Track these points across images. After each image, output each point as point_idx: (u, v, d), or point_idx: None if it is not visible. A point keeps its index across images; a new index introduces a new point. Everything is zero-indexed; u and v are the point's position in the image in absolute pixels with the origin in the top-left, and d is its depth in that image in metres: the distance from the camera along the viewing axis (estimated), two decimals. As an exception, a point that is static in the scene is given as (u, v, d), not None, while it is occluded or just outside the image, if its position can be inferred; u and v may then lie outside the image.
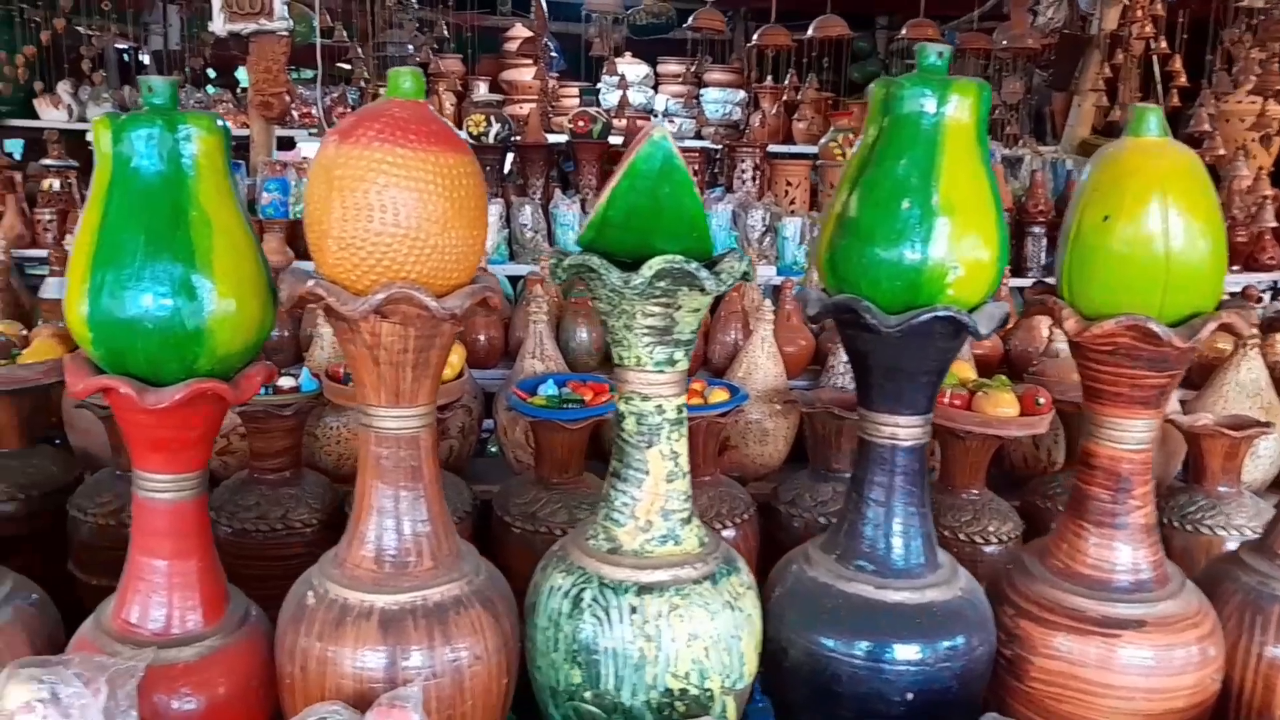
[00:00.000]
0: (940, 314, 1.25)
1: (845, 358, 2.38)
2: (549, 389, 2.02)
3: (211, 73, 6.98)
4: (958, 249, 1.25)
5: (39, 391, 1.97)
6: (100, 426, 1.92)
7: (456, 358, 2.05)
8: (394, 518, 1.28)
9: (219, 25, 3.98)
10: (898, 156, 1.28)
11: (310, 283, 1.18)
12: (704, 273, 1.19)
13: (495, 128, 3.94)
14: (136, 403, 1.13)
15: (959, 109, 1.27)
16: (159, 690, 1.20)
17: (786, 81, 4.87)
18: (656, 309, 1.24)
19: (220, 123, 1.19)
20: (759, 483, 2.36)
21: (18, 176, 4.05)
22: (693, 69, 5.26)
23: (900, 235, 1.25)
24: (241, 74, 7.09)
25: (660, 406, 1.30)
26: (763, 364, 2.45)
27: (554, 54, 5.16)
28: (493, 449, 2.81)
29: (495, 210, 3.74)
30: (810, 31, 4.59)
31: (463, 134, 4.17)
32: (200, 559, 1.28)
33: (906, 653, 1.34)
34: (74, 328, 1.16)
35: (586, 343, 2.67)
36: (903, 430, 1.36)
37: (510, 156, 4.20)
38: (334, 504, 1.93)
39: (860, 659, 1.34)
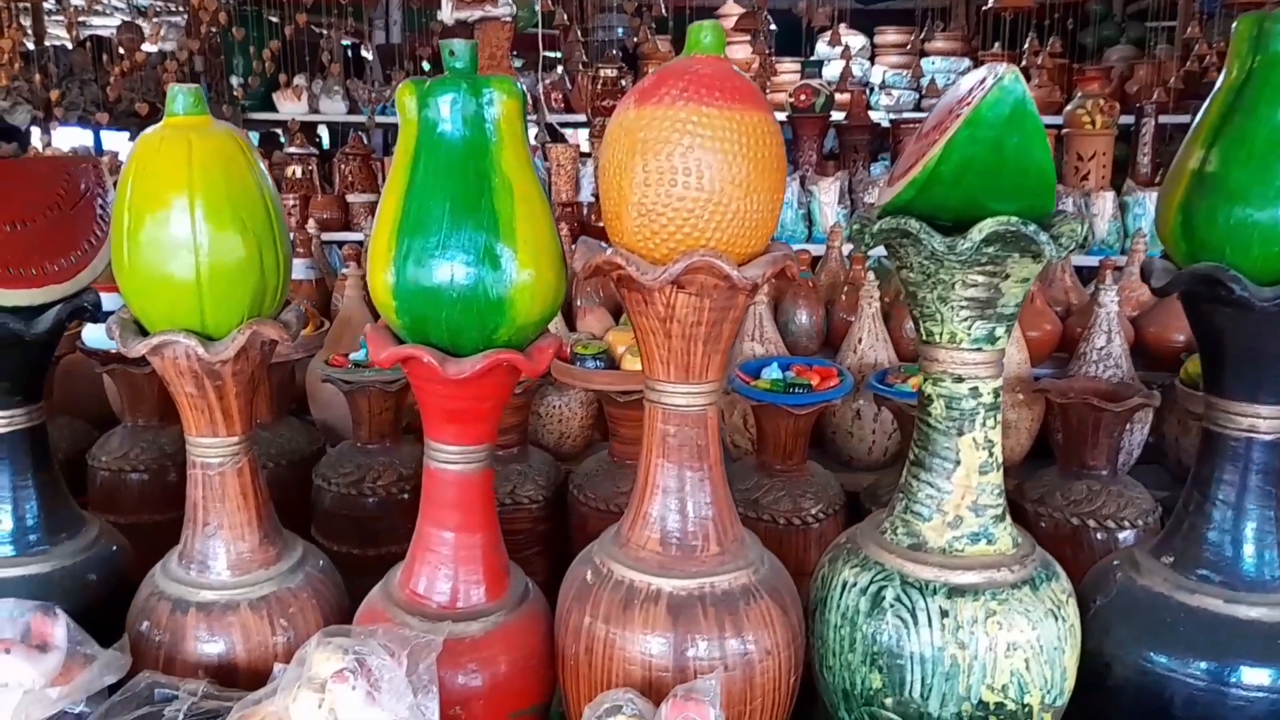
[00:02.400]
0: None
1: (1099, 344, 2.16)
2: (773, 372, 1.92)
3: (425, 65, 7.28)
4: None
5: (287, 366, 2.06)
6: (341, 400, 1.98)
7: None
8: (679, 498, 1.22)
9: (447, 14, 4.08)
10: (1275, 101, 1.09)
11: (608, 251, 1.13)
12: (1043, 236, 1.05)
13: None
14: (438, 372, 1.11)
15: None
16: (445, 665, 1.18)
17: (1026, 46, 4.52)
18: (980, 278, 1.11)
19: (519, 86, 1.15)
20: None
21: (267, 162, 4.33)
22: (921, 37, 4.98)
23: (1280, 193, 1.06)
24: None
25: (975, 389, 1.17)
26: (1006, 349, 2.25)
27: (772, 27, 5.03)
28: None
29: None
30: (1052, -9, 4.25)
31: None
32: (485, 533, 1.26)
33: (1258, 677, 1.16)
34: (377, 296, 1.15)
35: (807, 325, 2.55)
36: (1263, 422, 1.17)
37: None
38: (558, 481, 1.93)
39: (1202, 681, 1.17)
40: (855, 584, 1.21)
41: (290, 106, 5.62)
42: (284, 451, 2.01)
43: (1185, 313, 1.24)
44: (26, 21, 5.73)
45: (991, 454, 1.19)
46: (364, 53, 7.33)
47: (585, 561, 1.28)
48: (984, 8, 4.66)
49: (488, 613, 1.24)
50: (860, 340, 2.27)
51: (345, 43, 7.40)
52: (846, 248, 3.04)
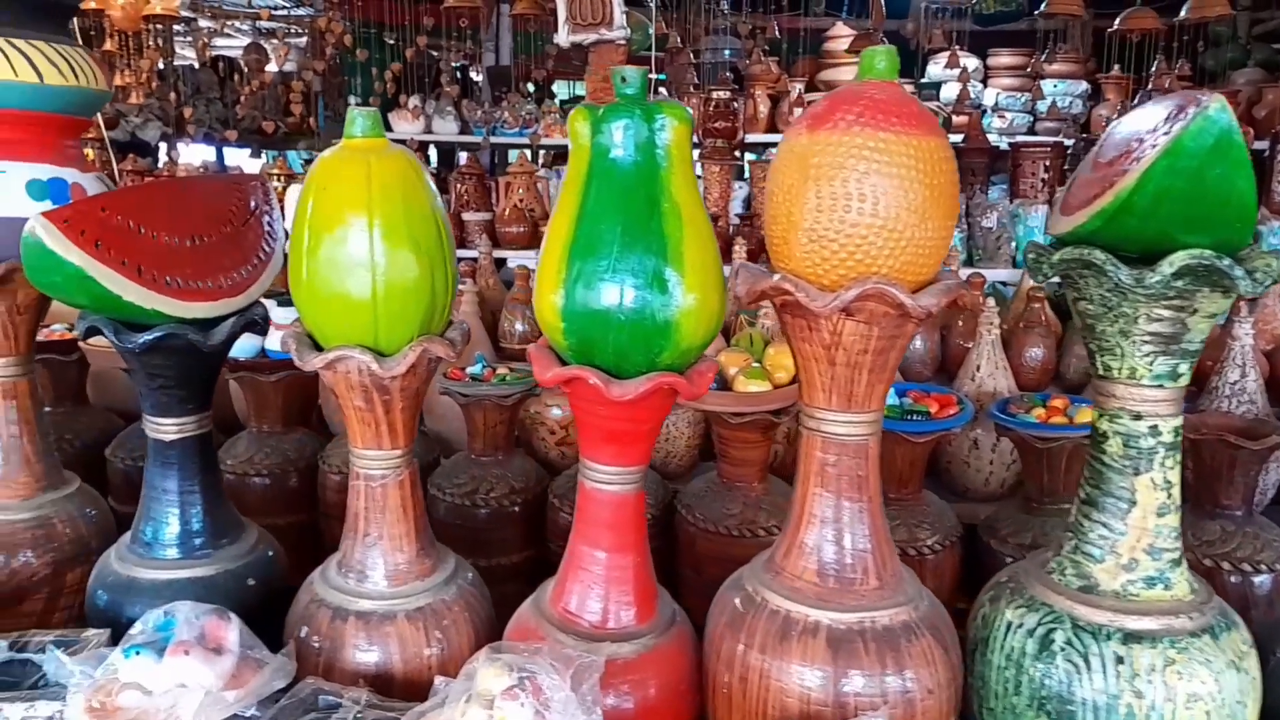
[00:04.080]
0: None
1: (1233, 378, 2.06)
2: (890, 398, 1.88)
3: (530, 86, 7.43)
4: None
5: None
6: (457, 412, 2.02)
7: (791, 360, 1.96)
8: (836, 529, 1.20)
9: (563, 37, 4.14)
10: None
11: (775, 277, 1.12)
12: (1238, 270, 1.00)
13: (826, 127, 3.83)
14: (602, 394, 1.12)
15: None
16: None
17: (1155, 68, 4.37)
18: (1166, 312, 1.06)
19: (688, 112, 1.16)
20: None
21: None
22: (1042, 59, 4.86)
23: None
24: (559, 87, 7.53)
25: (1155, 427, 1.12)
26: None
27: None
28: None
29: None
30: (1184, 13, 4.08)
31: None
32: (637, 554, 1.26)
33: None
34: (545, 317, 1.17)
35: (921, 351, 2.49)
36: None
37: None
38: (665, 500, 1.93)
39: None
40: (1021, 625, 1.17)
41: (405, 126, 5.78)
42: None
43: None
44: (159, 43, 6.04)
45: (1170, 495, 1.14)
46: (473, 74, 7.52)
47: (735, 588, 1.27)
48: (1109, 29, 4.52)
49: (638, 635, 1.24)
50: (979, 367, 2.21)
51: (454, 64, 7.61)
52: (964, 272, 2.98)
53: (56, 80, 1.36)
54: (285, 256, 1.27)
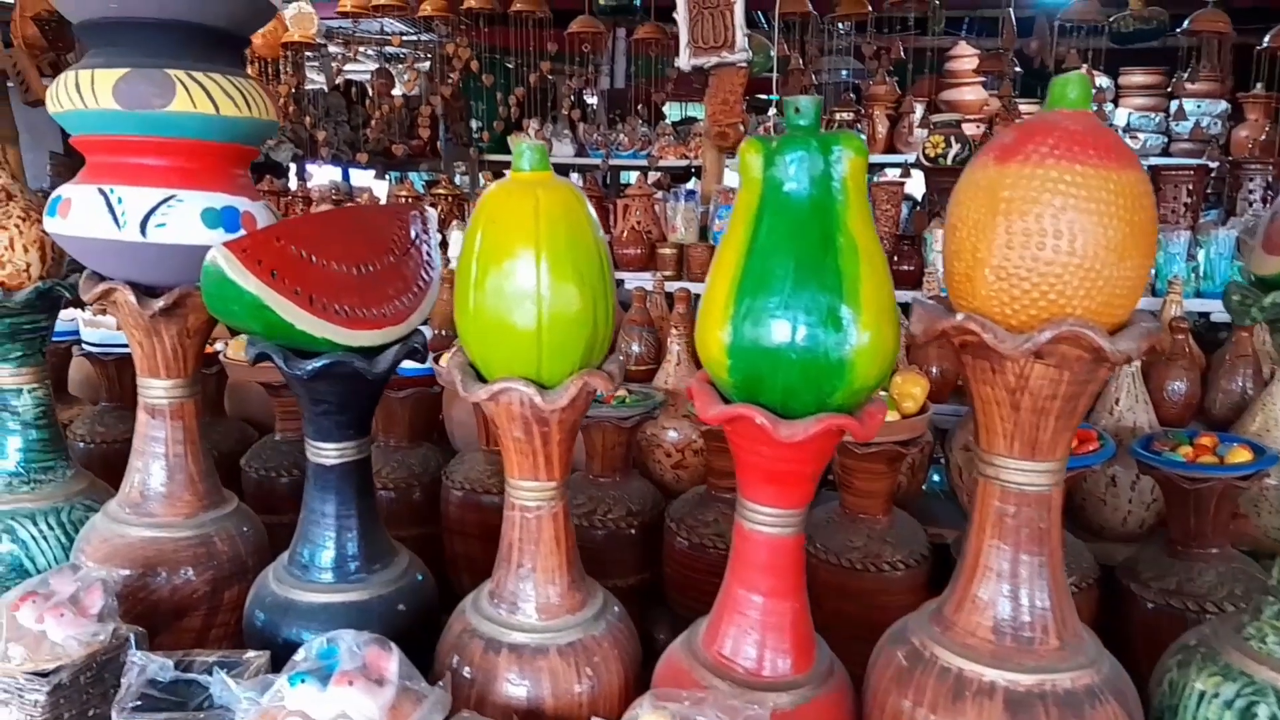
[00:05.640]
0: None
1: None
2: None
3: (642, 108, 7.47)
4: None
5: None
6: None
7: (919, 389, 1.89)
8: (1013, 584, 1.13)
9: (684, 61, 4.15)
10: None
11: (959, 316, 1.07)
12: None
13: (955, 149, 3.72)
14: (769, 434, 1.08)
15: None
16: (753, 735, 1.14)
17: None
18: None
19: (865, 144, 1.12)
20: (1268, 560, 1.95)
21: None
22: (1185, 77, 4.63)
23: None
24: (670, 109, 7.54)
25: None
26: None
27: (1018, 69, 4.83)
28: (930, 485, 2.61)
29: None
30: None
31: (920, 156, 4.01)
32: (795, 600, 1.21)
33: None
34: (709, 352, 1.14)
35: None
36: None
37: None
38: None
39: None
40: (1217, 695, 1.08)
41: (523, 149, 5.87)
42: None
43: None
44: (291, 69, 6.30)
45: (1397, 563, 1.04)
46: (587, 97, 7.61)
47: (899, 640, 1.21)
48: (1256, 46, 4.27)
49: (796, 685, 1.19)
50: (1118, 401, 2.09)
51: (571, 88, 7.72)
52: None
53: (231, 111, 1.40)
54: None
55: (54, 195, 1.43)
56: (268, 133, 1.50)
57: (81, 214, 1.37)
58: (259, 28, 1.53)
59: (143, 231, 1.36)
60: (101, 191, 1.37)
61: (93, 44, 1.42)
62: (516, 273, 1.16)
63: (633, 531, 1.95)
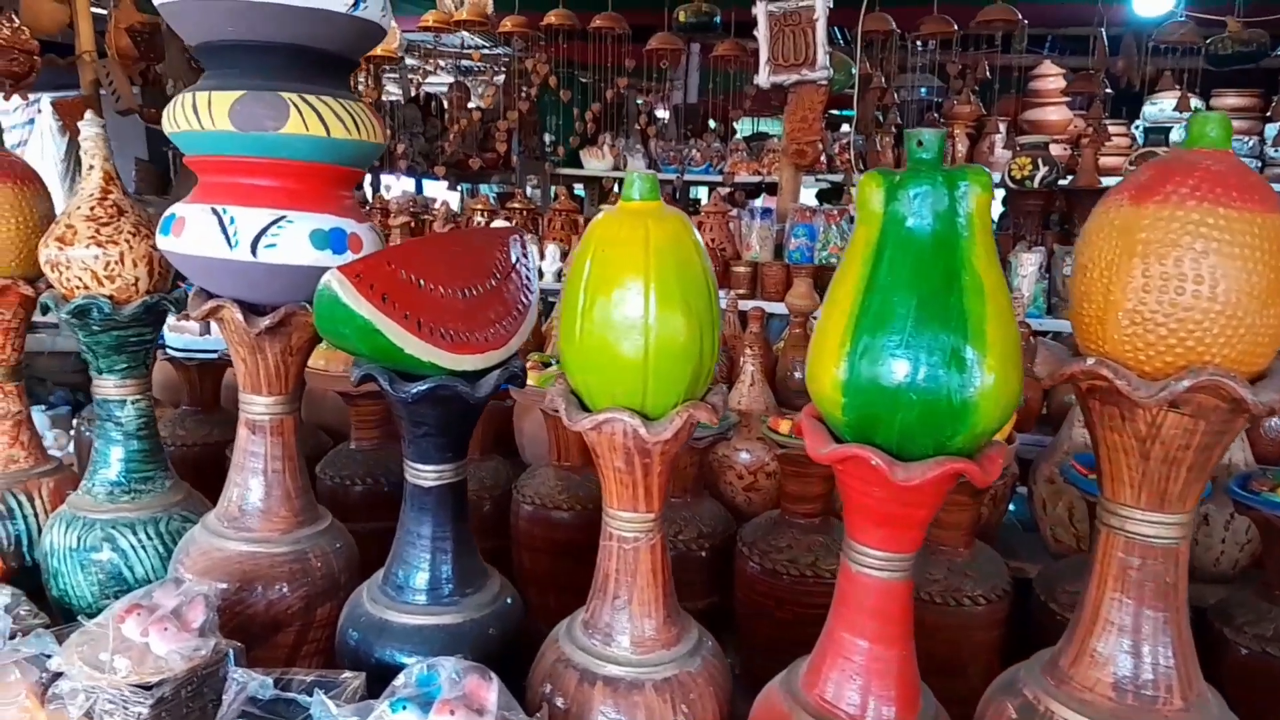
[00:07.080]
0: None
1: None
2: None
3: (712, 123, 7.46)
4: None
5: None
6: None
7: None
8: (1135, 640, 1.08)
9: (764, 78, 4.13)
10: None
11: (1090, 361, 1.03)
12: None
13: (1042, 170, 3.64)
14: (886, 476, 1.05)
15: None
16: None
17: None
18: None
19: (991, 178, 1.08)
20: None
21: (580, 218, 4.55)
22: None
23: None
24: (741, 124, 7.53)
25: None
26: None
27: (1108, 90, 4.71)
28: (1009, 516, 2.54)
29: (1035, 259, 3.47)
30: None
31: (1005, 177, 3.93)
32: (901, 647, 1.18)
33: None
34: (821, 390, 1.11)
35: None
36: None
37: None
38: None
39: None
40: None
41: (595, 163, 5.91)
42: (588, 496, 2.03)
43: None
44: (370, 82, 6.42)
45: None
46: (658, 112, 7.63)
47: (1010, 692, 1.17)
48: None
49: (900, 733, 1.15)
50: None
51: (639, 101, 7.75)
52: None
53: (341, 133, 1.42)
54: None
55: (166, 214, 1.46)
56: (375, 155, 1.52)
57: (195, 233, 1.40)
58: (369, 50, 1.55)
59: (253, 251, 1.38)
60: (215, 211, 1.39)
61: (209, 65, 1.44)
62: (625, 302, 1.15)
63: (703, 554, 1.94)
